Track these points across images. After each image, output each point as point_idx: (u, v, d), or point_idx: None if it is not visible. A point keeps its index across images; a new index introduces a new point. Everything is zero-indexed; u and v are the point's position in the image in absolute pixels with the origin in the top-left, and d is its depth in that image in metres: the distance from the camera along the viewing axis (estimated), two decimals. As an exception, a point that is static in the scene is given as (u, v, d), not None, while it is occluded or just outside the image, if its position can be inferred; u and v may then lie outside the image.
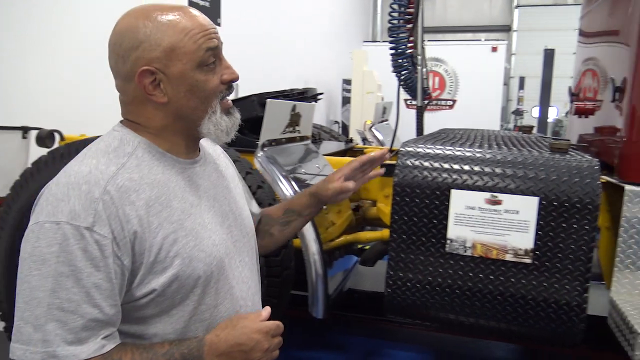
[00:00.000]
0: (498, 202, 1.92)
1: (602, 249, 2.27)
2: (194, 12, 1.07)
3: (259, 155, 2.49)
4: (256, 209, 1.52)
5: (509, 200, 1.90)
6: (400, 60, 3.16)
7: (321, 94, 3.08)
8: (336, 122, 9.88)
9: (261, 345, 1.04)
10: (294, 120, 2.68)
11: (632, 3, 2.16)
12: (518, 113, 11.30)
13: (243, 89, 3.52)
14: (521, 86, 11.77)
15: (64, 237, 0.92)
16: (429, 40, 11.04)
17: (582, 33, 3.21)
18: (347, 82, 9.28)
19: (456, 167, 1.99)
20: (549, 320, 1.89)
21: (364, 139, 6.11)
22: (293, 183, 2.43)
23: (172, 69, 1.03)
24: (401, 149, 2.11)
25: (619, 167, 2.14)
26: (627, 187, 1.98)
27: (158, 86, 1.04)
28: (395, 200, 2.03)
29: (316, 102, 3.03)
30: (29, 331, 0.92)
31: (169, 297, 1.03)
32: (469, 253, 1.95)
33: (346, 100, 9.43)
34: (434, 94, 10.01)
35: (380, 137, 4.10)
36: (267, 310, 1.11)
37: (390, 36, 3.17)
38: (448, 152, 2.05)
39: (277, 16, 7.31)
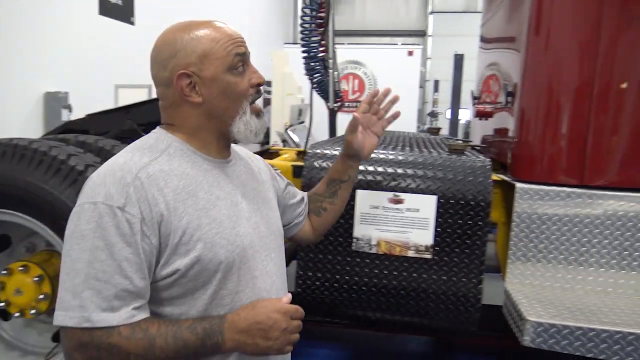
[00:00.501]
0: (400, 201, 2.01)
1: (500, 243, 2.43)
2: (222, 24, 1.22)
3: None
4: (300, 193, 1.61)
5: (410, 199, 2.00)
6: (312, 64, 3.22)
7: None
8: (257, 123, 9.83)
9: (279, 324, 1.10)
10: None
11: (523, 12, 2.32)
12: (433, 115, 11.77)
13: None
14: (436, 89, 12.26)
15: (100, 215, 1.05)
16: (348, 44, 11.32)
17: (483, 39, 3.41)
18: (268, 83, 9.29)
19: (361, 168, 2.06)
20: (448, 312, 2.00)
21: (284, 141, 6.11)
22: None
23: (206, 72, 1.17)
24: (309, 150, 2.16)
25: (511, 166, 2.29)
26: (518, 184, 2.12)
27: (194, 88, 1.17)
28: (303, 201, 2.07)
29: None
30: (69, 298, 1.03)
31: (192, 279, 1.12)
32: (374, 251, 2.03)
33: (267, 102, 9.43)
34: (354, 96, 10.25)
35: (296, 139, 4.13)
36: (288, 296, 1.17)
37: (302, 40, 3.22)
38: (354, 154, 2.12)
39: (193, 16, 7.19)
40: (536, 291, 2.16)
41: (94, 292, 1.03)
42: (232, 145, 1.32)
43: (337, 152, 2.14)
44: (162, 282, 1.11)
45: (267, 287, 1.25)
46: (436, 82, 12.38)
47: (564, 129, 2.15)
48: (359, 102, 10.19)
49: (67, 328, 1.03)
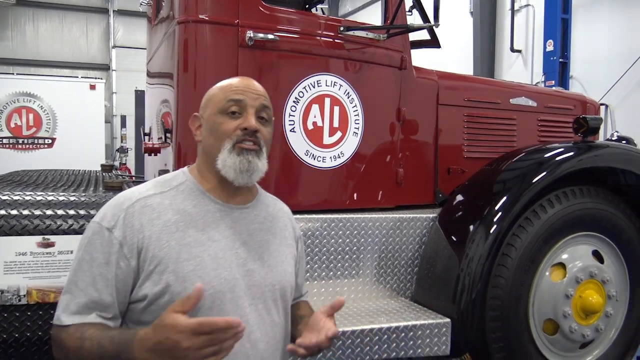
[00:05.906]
0: (51, 245, 1.89)
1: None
2: (243, 79, 1.38)
3: None
4: (304, 288, 1.58)
5: (61, 241, 1.90)
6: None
7: None
8: None
9: (179, 344, 1.02)
10: None
11: (174, 50, 2.42)
12: (123, 151, 11.47)
13: None
14: (123, 124, 11.98)
15: (93, 232, 1.23)
16: (18, 74, 10.19)
17: (149, 75, 3.48)
18: None
19: (1, 212, 1.87)
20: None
21: None
22: None
23: (205, 114, 1.35)
24: None
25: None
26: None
27: (199, 128, 1.37)
28: None
29: None
30: (60, 297, 1.22)
31: (162, 307, 1.14)
32: (24, 302, 1.85)
33: None
34: (29, 132, 9.28)
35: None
36: (197, 320, 1.09)
37: None
38: (-6, 198, 1.91)
39: None
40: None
41: (71, 296, 1.19)
42: (268, 197, 1.44)
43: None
44: (135, 304, 1.21)
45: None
46: (123, 117, 12.10)
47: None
48: (35, 138, 9.27)
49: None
